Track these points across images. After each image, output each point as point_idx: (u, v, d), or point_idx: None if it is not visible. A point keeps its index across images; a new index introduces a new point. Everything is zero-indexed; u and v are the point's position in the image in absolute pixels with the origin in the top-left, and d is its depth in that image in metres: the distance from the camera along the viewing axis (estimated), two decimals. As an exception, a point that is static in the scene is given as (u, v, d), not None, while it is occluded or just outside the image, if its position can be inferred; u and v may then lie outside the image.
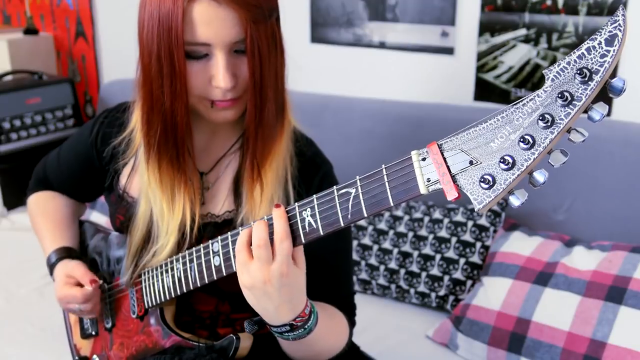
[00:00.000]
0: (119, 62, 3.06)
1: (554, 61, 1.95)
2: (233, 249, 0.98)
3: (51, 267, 1.29)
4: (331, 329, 1.10)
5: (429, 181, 0.74)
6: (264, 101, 1.05)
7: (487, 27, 2.04)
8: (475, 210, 0.70)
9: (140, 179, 1.18)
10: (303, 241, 0.90)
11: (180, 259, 1.09)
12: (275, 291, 0.90)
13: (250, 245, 0.91)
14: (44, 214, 1.37)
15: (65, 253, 1.29)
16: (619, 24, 0.63)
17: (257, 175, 1.11)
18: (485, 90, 2.11)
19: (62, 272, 1.25)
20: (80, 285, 1.23)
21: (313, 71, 2.42)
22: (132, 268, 1.18)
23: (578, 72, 0.64)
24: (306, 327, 0.97)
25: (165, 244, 1.13)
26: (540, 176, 0.67)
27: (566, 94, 0.64)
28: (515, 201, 0.69)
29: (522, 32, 1.98)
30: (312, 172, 1.18)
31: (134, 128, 1.20)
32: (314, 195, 0.87)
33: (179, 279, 1.09)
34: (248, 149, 1.10)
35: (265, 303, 0.93)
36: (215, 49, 1.00)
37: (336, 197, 0.84)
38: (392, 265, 1.94)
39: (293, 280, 0.91)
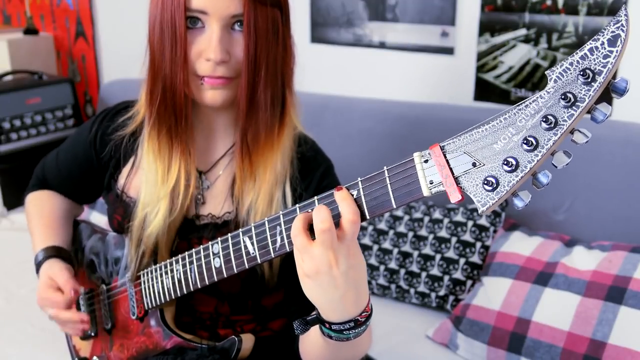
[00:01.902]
0: (119, 62, 3.06)
1: (554, 61, 1.95)
2: (233, 250, 0.97)
3: (37, 265, 1.28)
4: (369, 329, 1.03)
5: (431, 183, 0.73)
6: (258, 80, 1.06)
7: (487, 27, 2.04)
8: (479, 212, 0.70)
9: (140, 174, 1.18)
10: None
11: (180, 260, 1.09)
12: (342, 275, 0.82)
13: (307, 229, 0.84)
14: (38, 214, 1.37)
15: (53, 252, 1.28)
16: (622, 24, 0.63)
17: (247, 159, 1.11)
18: (485, 90, 2.11)
19: (46, 273, 1.24)
20: (61, 290, 1.22)
21: (313, 71, 2.42)
22: (135, 260, 1.17)
23: (581, 73, 0.64)
24: (367, 323, 0.90)
25: (156, 210, 1.13)
26: (543, 178, 0.67)
27: (569, 95, 0.64)
28: (519, 203, 0.68)
29: (522, 32, 1.98)
30: (312, 168, 1.18)
31: (140, 106, 1.21)
32: (315, 197, 0.86)
33: (179, 281, 1.09)
34: (238, 130, 1.11)
35: (331, 292, 0.83)
36: (211, 19, 1.02)
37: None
38: (392, 265, 1.94)
39: (359, 262, 0.84)
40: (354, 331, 0.89)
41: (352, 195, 0.81)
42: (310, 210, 0.84)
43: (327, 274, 0.82)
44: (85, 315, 1.23)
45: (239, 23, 1.04)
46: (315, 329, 0.95)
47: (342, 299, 0.84)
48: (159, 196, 1.14)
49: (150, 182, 1.15)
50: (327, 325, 0.89)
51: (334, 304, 0.85)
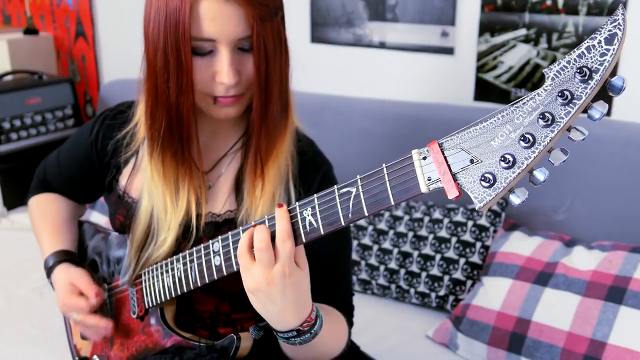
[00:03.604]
0: (119, 62, 3.06)
1: (554, 61, 1.95)
2: (234, 248, 0.98)
3: (49, 270, 1.28)
4: (334, 332, 1.10)
5: (429, 180, 0.74)
6: (270, 97, 1.06)
7: (487, 27, 2.04)
8: (476, 208, 0.70)
9: (142, 175, 1.18)
10: (304, 240, 0.89)
11: (181, 258, 1.09)
12: (279, 292, 0.89)
13: (252, 248, 0.90)
14: (44, 217, 1.37)
15: (63, 256, 1.29)
16: (619, 23, 0.63)
17: (260, 171, 1.11)
18: (485, 90, 2.11)
19: (65, 278, 1.24)
20: (83, 294, 1.23)
21: (313, 71, 2.43)
22: (134, 266, 1.18)
23: (578, 71, 0.64)
24: (312, 331, 0.96)
25: (165, 238, 1.13)
26: (540, 175, 0.67)
27: (566, 92, 0.64)
28: (515, 199, 0.69)
29: (522, 32, 1.99)
30: (312, 171, 1.18)
31: (137, 122, 1.21)
32: (315, 195, 0.86)
33: (179, 279, 1.09)
34: (252, 144, 1.11)
35: (269, 306, 0.92)
36: (220, 45, 1.00)
37: (337, 197, 0.84)
38: (392, 265, 1.94)
39: (296, 281, 0.90)
40: (298, 339, 0.97)
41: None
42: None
43: (264, 291, 0.90)
44: (110, 322, 1.23)
45: (245, 40, 1.02)
46: None
47: (281, 313, 0.92)
48: (169, 225, 1.13)
49: (159, 207, 1.14)
50: (275, 332, 0.98)
51: (274, 316, 0.93)
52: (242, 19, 0.99)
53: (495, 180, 0.68)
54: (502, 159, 0.68)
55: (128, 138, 1.23)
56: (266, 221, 0.92)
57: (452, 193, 0.71)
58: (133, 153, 1.23)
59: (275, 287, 0.89)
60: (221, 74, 1.02)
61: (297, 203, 0.89)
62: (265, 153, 1.10)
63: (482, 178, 0.69)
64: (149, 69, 1.06)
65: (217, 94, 1.05)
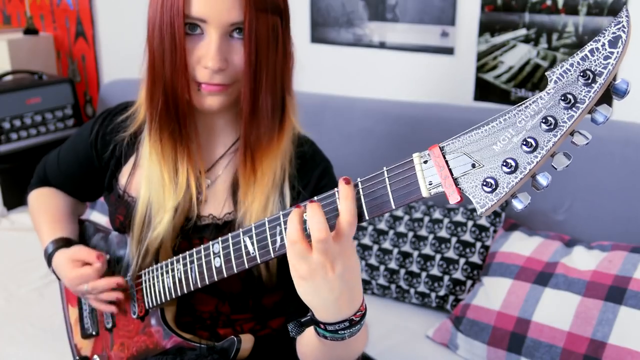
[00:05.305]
0: (119, 62, 3.06)
1: (554, 61, 1.95)
2: (234, 250, 0.97)
3: (49, 257, 1.28)
4: (365, 327, 1.03)
5: (430, 184, 0.73)
6: (259, 87, 1.06)
7: (487, 27, 2.04)
8: (478, 213, 0.70)
9: (141, 173, 1.18)
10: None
11: (181, 259, 1.09)
12: (338, 278, 0.81)
13: (303, 231, 0.82)
14: (44, 209, 1.37)
15: (63, 243, 1.28)
16: (623, 25, 0.63)
17: (250, 165, 1.11)
18: (485, 90, 2.10)
19: (65, 258, 1.23)
20: (86, 264, 1.22)
21: (313, 71, 2.42)
22: (136, 258, 1.17)
23: (581, 74, 0.64)
24: (362, 322, 0.90)
25: (163, 216, 1.13)
26: (543, 179, 0.67)
27: (569, 96, 0.64)
28: (518, 204, 0.68)
29: (522, 32, 1.98)
30: (311, 168, 1.18)
31: (139, 120, 1.21)
32: (315, 198, 0.86)
33: (180, 280, 1.09)
34: (241, 138, 1.11)
35: (326, 294, 0.83)
36: (210, 27, 1.01)
37: (337, 199, 0.83)
38: (392, 265, 1.94)
39: (353, 263, 0.84)
40: (348, 331, 0.89)
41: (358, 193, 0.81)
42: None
43: (322, 277, 0.81)
44: (121, 278, 1.20)
45: (237, 30, 1.03)
46: (310, 330, 0.94)
47: (337, 301, 0.84)
48: (167, 205, 1.13)
49: (156, 186, 1.14)
50: (322, 326, 0.89)
51: (329, 305, 0.85)
52: (235, 5, 1.00)
53: (497, 186, 0.67)
54: (504, 163, 0.67)
55: (129, 137, 1.23)
56: (319, 203, 0.82)
57: (453, 198, 0.70)
58: (133, 152, 1.23)
59: (334, 272, 0.81)
60: (207, 57, 1.02)
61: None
62: (255, 144, 1.10)
63: (484, 183, 0.68)
64: (148, 48, 1.08)
65: (201, 79, 1.05)
